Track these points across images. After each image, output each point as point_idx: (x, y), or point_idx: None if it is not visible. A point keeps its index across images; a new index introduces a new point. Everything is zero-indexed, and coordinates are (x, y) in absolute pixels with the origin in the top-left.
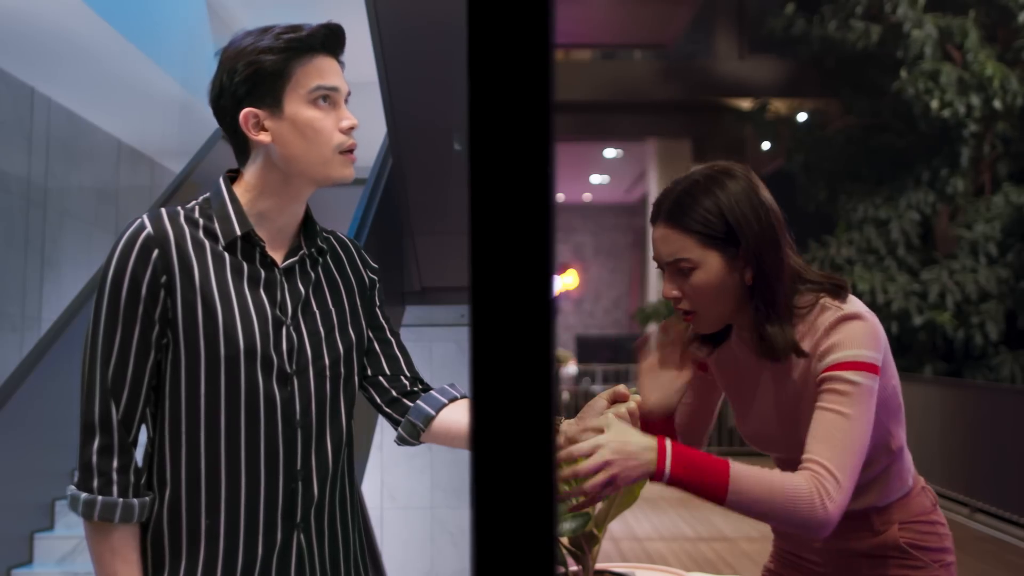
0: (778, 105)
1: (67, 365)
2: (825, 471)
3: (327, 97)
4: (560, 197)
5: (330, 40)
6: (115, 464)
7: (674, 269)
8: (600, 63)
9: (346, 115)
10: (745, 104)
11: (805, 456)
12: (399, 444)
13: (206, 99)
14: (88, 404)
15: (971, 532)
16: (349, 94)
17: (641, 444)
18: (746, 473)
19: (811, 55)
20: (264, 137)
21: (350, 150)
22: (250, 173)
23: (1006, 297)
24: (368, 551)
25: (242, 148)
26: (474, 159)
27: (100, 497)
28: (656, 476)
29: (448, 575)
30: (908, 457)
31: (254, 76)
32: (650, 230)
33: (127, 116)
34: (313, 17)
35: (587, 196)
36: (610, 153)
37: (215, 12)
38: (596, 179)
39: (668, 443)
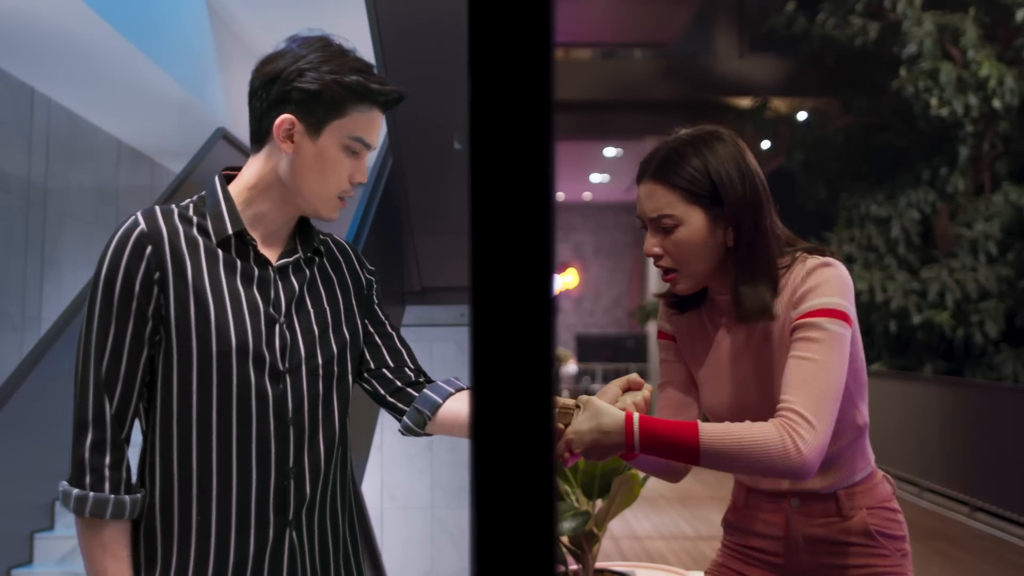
0: (778, 104)
1: (67, 365)
2: (797, 415)
3: (358, 150)
4: (560, 196)
5: (391, 103)
6: (107, 460)
7: (657, 226)
8: (600, 62)
9: (362, 170)
10: (745, 103)
11: (779, 405)
12: (404, 434)
13: (207, 99)
14: (81, 400)
15: (971, 531)
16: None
17: (608, 426)
18: (715, 433)
19: (811, 54)
20: (287, 148)
21: (347, 197)
22: (252, 171)
23: (1006, 296)
24: (368, 551)
25: (263, 135)
26: (474, 158)
27: (92, 493)
28: (627, 454)
29: (448, 575)
30: (868, 441)
31: (313, 95)
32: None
33: (127, 116)
34: (313, 17)
35: (587, 195)
36: (610, 152)
37: (215, 12)
38: (596, 178)
39: (636, 422)
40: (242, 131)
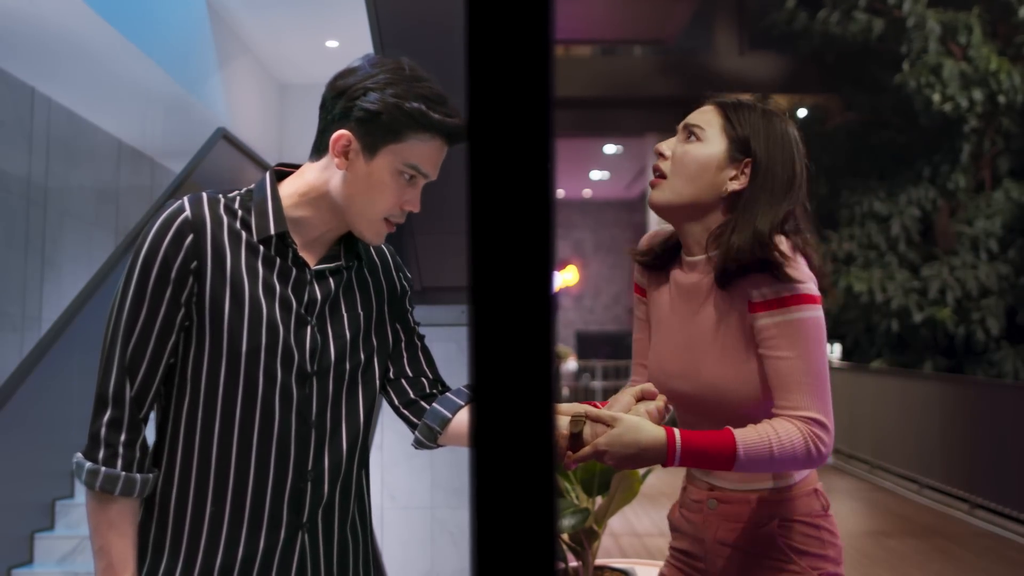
0: (778, 100)
1: (67, 365)
2: (816, 423)
3: (413, 177)
4: (560, 193)
5: (455, 136)
6: (122, 438)
7: (685, 132)
8: (600, 59)
9: (414, 199)
10: (745, 99)
11: (784, 410)
12: (417, 447)
13: (207, 99)
14: (104, 377)
15: (971, 528)
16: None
17: (647, 443)
18: (749, 443)
19: (811, 51)
20: (341, 163)
21: (395, 223)
22: (306, 178)
23: (1007, 293)
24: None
25: (322, 147)
26: (474, 155)
27: (104, 468)
28: (667, 464)
29: (448, 575)
30: None
31: (373, 115)
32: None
33: (127, 116)
34: (314, 17)
35: (587, 192)
36: (610, 149)
37: (215, 12)
38: (596, 175)
39: (678, 441)
40: (242, 131)
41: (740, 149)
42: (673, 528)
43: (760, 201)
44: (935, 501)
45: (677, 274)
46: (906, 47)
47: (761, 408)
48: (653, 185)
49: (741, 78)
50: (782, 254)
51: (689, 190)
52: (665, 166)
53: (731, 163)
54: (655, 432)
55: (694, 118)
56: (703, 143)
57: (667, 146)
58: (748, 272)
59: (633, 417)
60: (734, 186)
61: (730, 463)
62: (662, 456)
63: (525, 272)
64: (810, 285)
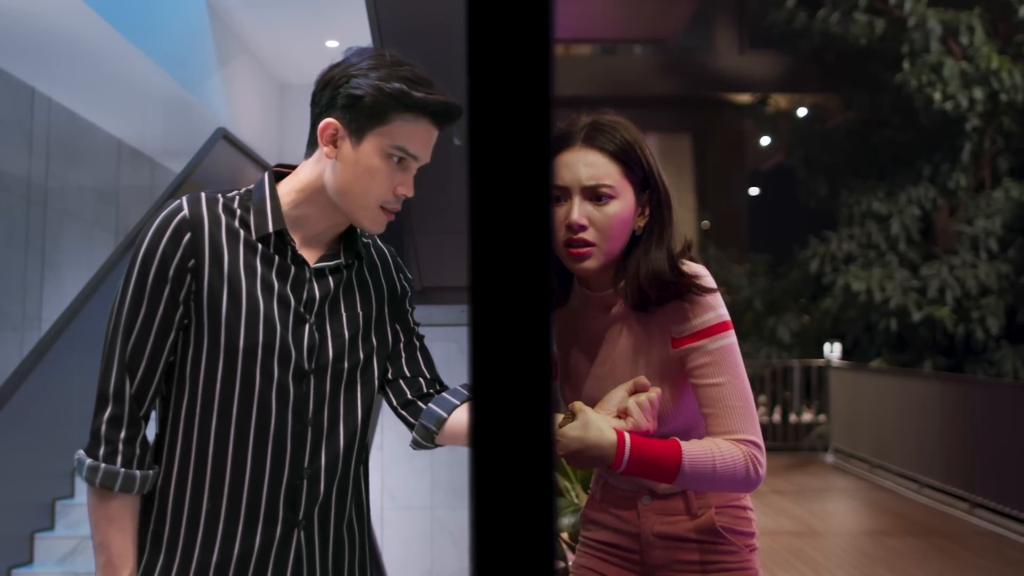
0: (778, 99)
1: (67, 365)
2: (753, 445)
3: (402, 159)
4: None
5: (441, 116)
6: (122, 435)
7: (591, 194)
8: (600, 58)
9: (407, 182)
10: (745, 99)
11: (720, 435)
12: (414, 448)
13: (207, 99)
14: (105, 375)
15: (971, 527)
16: (425, 165)
17: (593, 440)
18: (693, 456)
19: (811, 50)
20: (330, 152)
21: (391, 210)
22: (302, 174)
23: (1006, 292)
24: (369, 551)
25: (314, 140)
26: (474, 155)
27: (104, 465)
28: (613, 468)
29: (448, 575)
30: None
31: (356, 99)
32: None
33: (127, 116)
34: (314, 17)
35: None
36: None
37: (215, 12)
38: None
39: (627, 446)
40: (242, 131)
41: (642, 187)
42: (591, 522)
43: (657, 226)
44: (935, 500)
45: (582, 309)
46: (907, 46)
47: (687, 436)
48: (580, 255)
49: (741, 77)
50: (699, 279)
51: (616, 247)
52: (590, 235)
53: (639, 205)
54: (605, 432)
55: (589, 175)
56: (617, 199)
57: (581, 216)
58: (666, 300)
59: (592, 413)
60: (641, 223)
61: (673, 475)
62: (609, 458)
63: (525, 272)
64: (726, 311)
